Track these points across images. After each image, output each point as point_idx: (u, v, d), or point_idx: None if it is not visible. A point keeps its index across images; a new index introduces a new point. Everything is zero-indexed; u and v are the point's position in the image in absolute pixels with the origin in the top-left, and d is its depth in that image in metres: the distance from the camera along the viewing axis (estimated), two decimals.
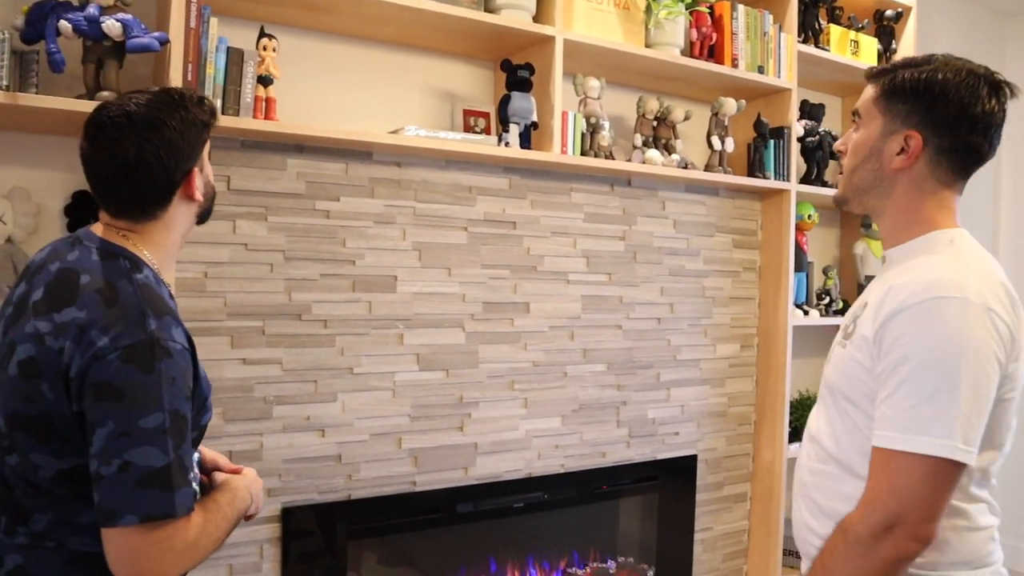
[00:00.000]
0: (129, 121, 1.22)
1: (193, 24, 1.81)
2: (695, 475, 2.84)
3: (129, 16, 1.71)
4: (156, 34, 1.71)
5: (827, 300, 3.14)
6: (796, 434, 3.01)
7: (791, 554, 2.96)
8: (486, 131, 2.39)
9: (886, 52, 3.22)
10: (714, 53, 2.72)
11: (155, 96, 1.27)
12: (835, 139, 3.08)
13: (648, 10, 2.53)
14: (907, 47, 3.25)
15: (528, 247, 2.47)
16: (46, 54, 1.65)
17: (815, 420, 1.40)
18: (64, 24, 1.65)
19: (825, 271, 3.19)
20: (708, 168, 2.77)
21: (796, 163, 2.91)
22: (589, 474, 2.61)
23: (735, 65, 2.71)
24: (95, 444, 1.11)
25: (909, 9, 3.25)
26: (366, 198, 2.20)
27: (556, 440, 2.54)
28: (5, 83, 1.64)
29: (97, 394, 1.11)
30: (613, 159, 2.50)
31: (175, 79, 1.78)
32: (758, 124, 2.84)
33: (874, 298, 1.27)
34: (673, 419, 2.80)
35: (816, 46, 2.96)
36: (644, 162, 2.56)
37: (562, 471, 2.55)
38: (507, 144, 2.27)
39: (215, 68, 1.86)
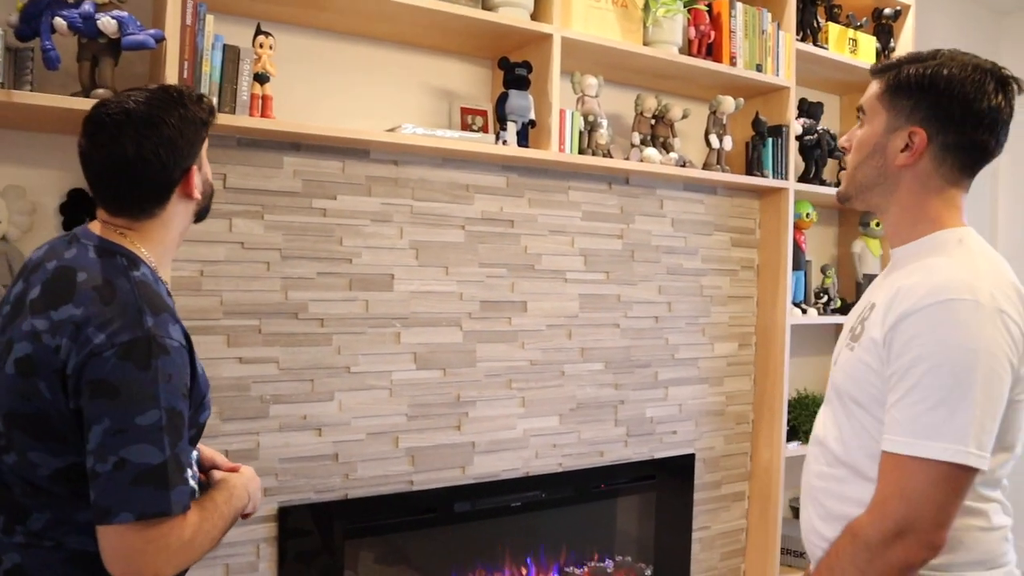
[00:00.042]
0: (128, 119, 1.21)
1: (189, 21, 1.80)
2: (693, 474, 2.84)
3: (124, 13, 1.70)
4: (152, 31, 1.71)
5: (825, 299, 3.14)
6: (794, 433, 3.02)
7: (789, 553, 2.97)
8: (483, 129, 2.38)
9: (884, 50, 3.22)
10: (712, 51, 2.71)
11: (154, 94, 1.26)
12: (834, 137, 3.08)
13: (646, 8, 2.52)
14: (905, 45, 3.25)
15: (526, 246, 2.46)
16: (41, 51, 1.64)
17: (822, 423, 1.37)
18: (59, 21, 1.64)
19: (823, 270, 3.20)
20: (706, 166, 2.76)
21: (794, 161, 2.91)
22: (587, 473, 2.60)
23: (733, 63, 2.70)
24: (91, 441, 1.11)
25: (907, 7, 3.25)
26: (363, 196, 2.19)
27: (554, 439, 2.53)
28: (0, 80, 1.63)
29: (93, 391, 1.11)
30: (611, 157, 2.49)
31: (171, 77, 1.77)
32: (756, 122, 2.84)
33: (882, 300, 1.24)
34: (671, 418, 2.79)
35: (814, 44, 2.96)
36: (642, 160, 2.56)
37: (560, 470, 2.55)
38: (504, 142, 2.26)
39: (211, 66, 1.85)
